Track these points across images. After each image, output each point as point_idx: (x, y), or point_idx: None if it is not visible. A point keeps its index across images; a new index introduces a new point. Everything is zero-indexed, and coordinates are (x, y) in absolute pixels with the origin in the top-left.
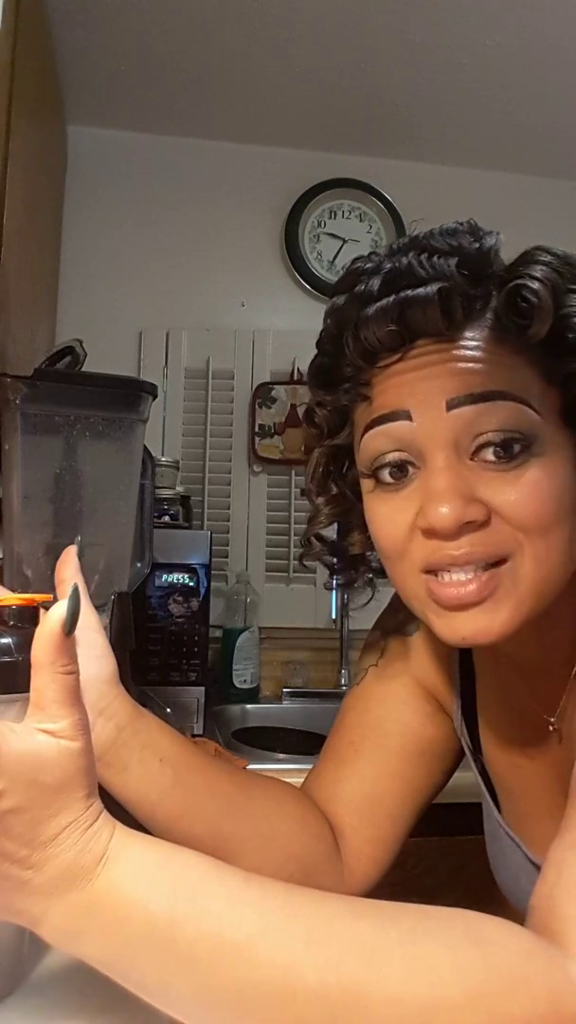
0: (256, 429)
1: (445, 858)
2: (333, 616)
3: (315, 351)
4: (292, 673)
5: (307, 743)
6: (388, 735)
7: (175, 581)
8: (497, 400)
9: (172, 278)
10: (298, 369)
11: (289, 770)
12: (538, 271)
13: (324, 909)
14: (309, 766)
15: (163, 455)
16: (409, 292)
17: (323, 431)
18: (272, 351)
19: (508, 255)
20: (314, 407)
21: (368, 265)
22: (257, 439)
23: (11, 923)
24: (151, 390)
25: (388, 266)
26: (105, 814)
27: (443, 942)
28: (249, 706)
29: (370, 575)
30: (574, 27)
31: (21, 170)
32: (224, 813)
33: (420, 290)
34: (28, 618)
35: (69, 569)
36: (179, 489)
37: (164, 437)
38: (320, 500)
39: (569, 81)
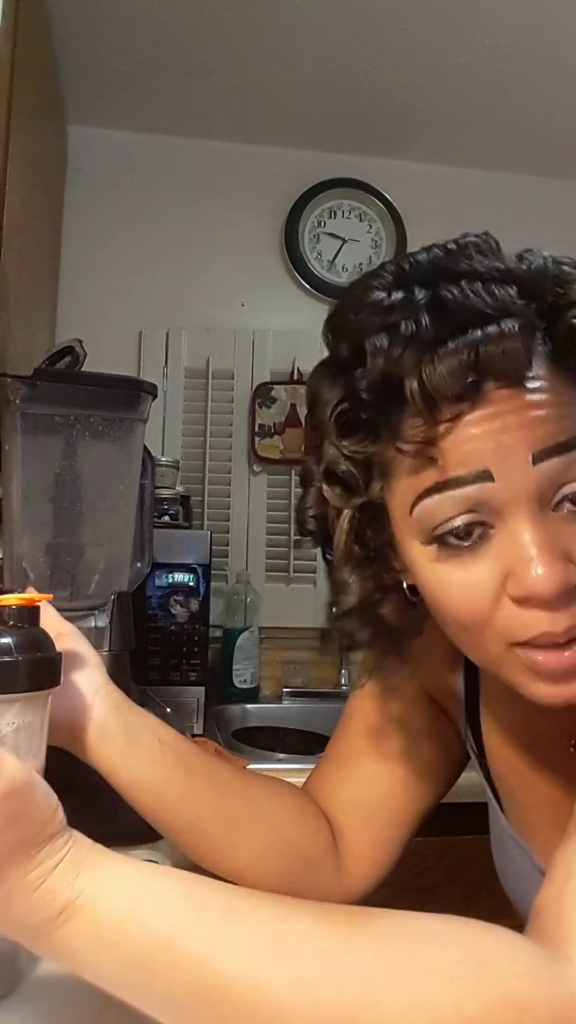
0: (256, 429)
1: (445, 858)
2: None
3: (332, 394)
4: (292, 673)
5: (307, 743)
6: (390, 739)
7: (175, 581)
8: None
9: (172, 278)
10: (298, 369)
11: (289, 770)
12: None
13: (313, 941)
14: (309, 766)
15: (163, 455)
16: (483, 331)
17: (350, 487)
18: (272, 351)
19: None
20: (339, 460)
21: (396, 297)
22: (257, 439)
23: None
24: (151, 390)
25: (423, 298)
26: (67, 862)
27: (441, 969)
28: (249, 706)
29: (404, 648)
30: (574, 27)
31: (21, 170)
32: (226, 796)
33: (494, 328)
34: (28, 618)
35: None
36: (179, 489)
37: (164, 437)
38: (347, 569)
39: (569, 81)
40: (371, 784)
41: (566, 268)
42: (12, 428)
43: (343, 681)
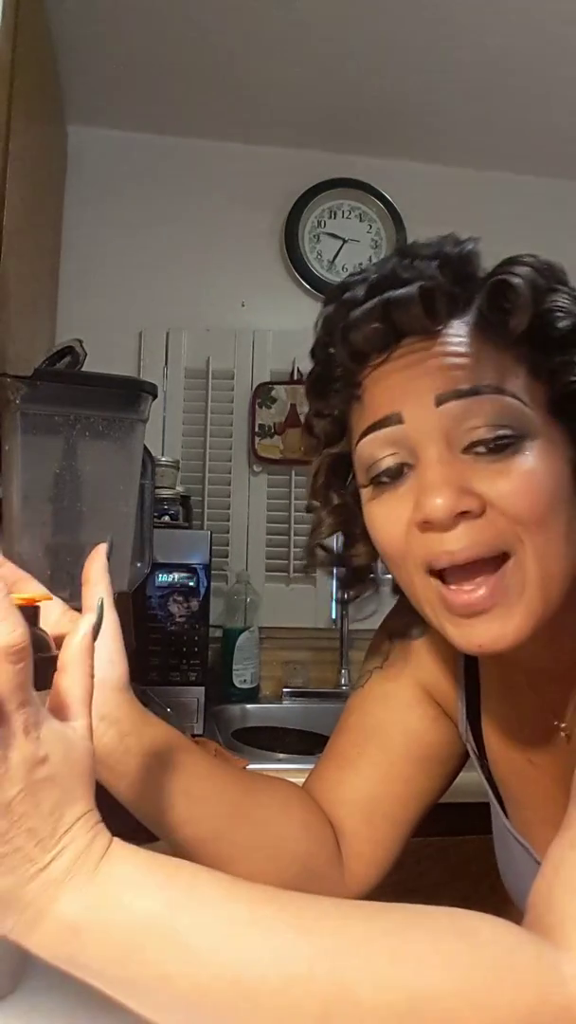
0: (256, 429)
1: (446, 858)
2: (333, 616)
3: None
4: (292, 673)
5: (307, 743)
6: (391, 738)
7: (175, 581)
8: (485, 394)
9: (172, 278)
10: (298, 369)
11: (289, 770)
12: (518, 269)
13: (311, 906)
14: (309, 766)
15: (163, 455)
16: (392, 292)
17: (322, 440)
18: (272, 351)
19: (507, 254)
20: (312, 417)
21: (356, 277)
22: (257, 439)
23: None
24: (151, 390)
25: (373, 274)
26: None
27: (429, 933)
28: (249, 706)
29: (374, 587)
30: (574, 27)
31: (21, 170)
32: (229, 820)
33: (403, 290)
34: (28, 618)
35: (96, 569)
36: (179, 489)
37: (164, 437)
38: (323, 510)
39: (569, 81)
40: (371, 783)
41: (525, 258)
42: (12, 428)
43: (343, 681)
